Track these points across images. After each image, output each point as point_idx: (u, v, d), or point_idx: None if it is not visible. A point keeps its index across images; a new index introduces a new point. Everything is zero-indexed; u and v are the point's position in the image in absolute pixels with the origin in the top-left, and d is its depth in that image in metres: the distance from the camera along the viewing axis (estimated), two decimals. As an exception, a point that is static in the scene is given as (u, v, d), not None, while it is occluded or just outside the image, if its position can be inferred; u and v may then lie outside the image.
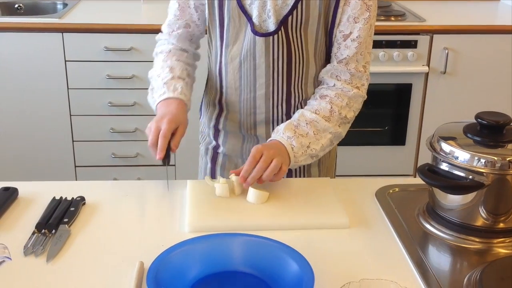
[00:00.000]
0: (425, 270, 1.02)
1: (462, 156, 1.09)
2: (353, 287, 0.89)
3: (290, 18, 1.31)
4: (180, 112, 1.31)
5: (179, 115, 1.30)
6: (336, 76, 1.37)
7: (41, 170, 2.87)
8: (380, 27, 2.75)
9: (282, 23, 1.32)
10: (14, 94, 2.75)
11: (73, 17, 2.78)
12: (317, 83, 1.43)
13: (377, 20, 3.05)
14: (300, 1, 1.30)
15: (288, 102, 1.42)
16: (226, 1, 1.34)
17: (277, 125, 1.42)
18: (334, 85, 1.37)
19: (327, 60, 1.41)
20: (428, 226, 1.16)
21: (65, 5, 2.99)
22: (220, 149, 1.53)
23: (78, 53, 2.72)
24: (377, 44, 2.67)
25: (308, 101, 1.39)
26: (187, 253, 0.97)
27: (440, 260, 1.11)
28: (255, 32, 1.33)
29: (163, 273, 0.96)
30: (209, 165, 1.56)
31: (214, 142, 1.54)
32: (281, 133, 1.30)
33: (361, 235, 1.14)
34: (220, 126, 1.50)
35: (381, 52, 2.68)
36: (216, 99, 1.47)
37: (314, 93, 1.41)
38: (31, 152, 2.86)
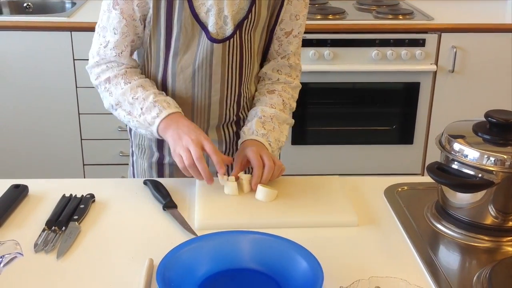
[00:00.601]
0: (435, 268, 1.02)
1: (472, 154, 1.09)
2: (362, 285, 0.89)
3: (245, 21, 1.33)
4: (196, 126, 1.27)
5: (197, 128, 1.26)
6: (278, 70, 1.45)
7: (50, 168, 2.88)
8: (388, 26, 2.75)
9: (238, 27, 1.33)
10: (23, 93, 2.76)
11: (82, 16, 2.79)
12: (256, 79, 1.49)
13: (385, 18, 3.05)
14: (254, 4, 1.32)
15: (238, 103, 1.45)
16: (176, 11, 1.29)
17: (227, 127, 1.48)
18: (278, 79, 1.45)
19: (263, 57, 1.47)
20: (437, 224, 1.16)
21: (73, 4, 3.00)
22: (166, 160, 1.46)
23: (86, 52, 2.72)
24: (385, 43, 2.67)
25: (256, 98, 1.45)
26: (197, 250, 0.98)
27: (449, 258, 1.10)
28: (213, 40, 1.32)
29: (172, 271, 0.96)
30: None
31: (157, 154, 1.47)
32: (254, 131, 1.34)
33: (370, 234, 1.14)
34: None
35: (389, 51, 2.67)
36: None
37: (256, 89, 1.48)
38: (40, 150, 2.87)
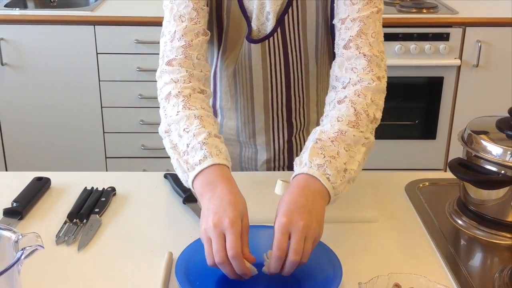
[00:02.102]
0: (455, 265, 1.01)
1: (495, 150, 1.08)
2: (381, 281, 0.89)
3: (286, 17, 1.22)
4: (235, 195, 0.96)
5: (236, 202, 0.94)
6: (352, 68, 1.13)
7: (73, 161, 2.92)
8: (412, 20, 2.72)
9: (279, 23, 1.23)
10: (47, 86, 2.79)
11: (105, 10, 2.82)
12: (326, 87, 1.29)
13: (409, 12, 3.00)
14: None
15: (289, 108, 1.34)
16: (226, 2, 1.22)
17: (277, 132, 1.37)
18: (350, 80, 1.12)
19: (331, 59, 1.25)
20: (458, 221, 1.15)
21: (97, -2, 3.03)
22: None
23: (109, 46, 2.75)
24: (408, 37, 2.64)
25: (325, 114, 1.14)
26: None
27: (470, 255, 1.09)
28: (251, 40, 1.23)
29: (191, 264, 0.96)
30: None
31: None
32: (307, 162, 1.01)
33: (391, 230, 1.13)
34: None
35: (412, 45, 2.64)
36: (210, 102, 1.33)
37: (323, 101, 1.22)
38: (63, 143, 2.91)
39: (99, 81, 2.80)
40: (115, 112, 2.86)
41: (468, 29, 2.70)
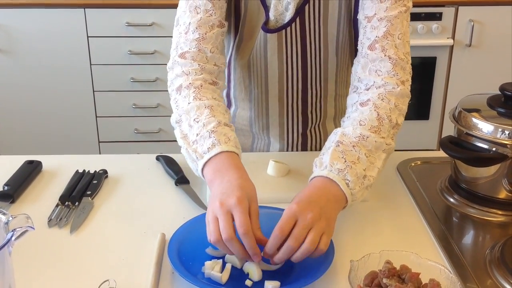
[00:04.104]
0: (447, 242, 1.01)
1: (486, 128, 1.08)
2: (373, 259, 0.89)
3: (307, 7, 1.19)
4: (245, 180, 0.96)
5: (245, 186, 0.94)
6: (376, 71, 1.10)
7: (66, 145, 2.92)
8: None
9: (299, 13, 1.19)
10: (38, 70, 2.78)
11: (95, -7, 2.79)
12: (345, 81, 1.29)
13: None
14: None
15: (304, 100, 1.31)
16: None
17: (292, 126, 1.34)
18: (374, 83, 1.10)
19: (353, 53, 1.25)
20: (450, 199, 1.15)
21: (86, -19, 3.00)
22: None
23: (100, 29, 2.73)
24: (400, 17, 2.63)
25: (346, 116, 1.12)
26: (208, 225, 0.97)
27: (462, 233, 1.10)
28: (267, 30, 1.20)
29: (184, 245, 0.97)
30: None
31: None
32: (327, 166, 0.99)
33: (382, 208, 1.14)
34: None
35: (404, 25, 2.63)
36: (224, 92, 1.35)
37: (345, 99, 1.20)
38: (55, 128, 2.90)
39: (91, 64, 2.79)
40: (107, 96, 2.85)
41: (460, 8, 2.69)
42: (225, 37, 1.20)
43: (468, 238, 1.09)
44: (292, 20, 1.19)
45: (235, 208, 0.89)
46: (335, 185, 0.97)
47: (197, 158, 1.03)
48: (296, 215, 0.90)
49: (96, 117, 2.89)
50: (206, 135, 1.03)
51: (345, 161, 0.99)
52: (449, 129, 2.45)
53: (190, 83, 1.11)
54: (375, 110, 1.06)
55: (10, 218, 0.72)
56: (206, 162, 1.01)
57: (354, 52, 1.21)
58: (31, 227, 0.71)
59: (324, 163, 1.00)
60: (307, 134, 1.37)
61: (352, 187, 0.98)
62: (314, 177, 1.00)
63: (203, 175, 1.02)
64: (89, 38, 2.73)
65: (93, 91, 2.83)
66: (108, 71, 2.80)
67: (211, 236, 0.89)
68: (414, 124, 2.85)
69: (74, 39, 2.73)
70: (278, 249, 0.89)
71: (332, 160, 1.00)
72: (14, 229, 0.70)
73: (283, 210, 0.97)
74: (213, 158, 1.00)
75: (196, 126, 1.05)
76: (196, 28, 1.13)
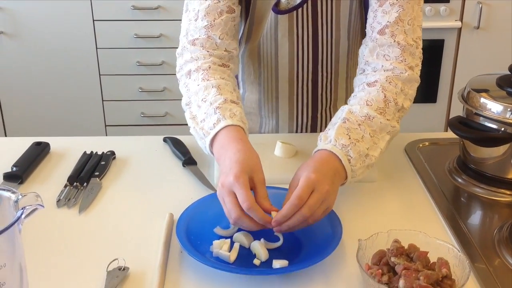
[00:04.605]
0: (455, 222, 1.01)
1: (495, 108, 1.07)
2: (381, 238, 0.89)
3: None
4: (244, 152, 0.95)
5: (244, 159, 0.93)
6: (384, 55, 1.11)
7: (73, 129, 2.92)
8: (412, -19, 2.68)
9: None
10: (44, 54, 2.78)
11: (100, -24, 2.78)
12: (354, 69, 1.27)
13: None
14: None
15: (315, 83, 1.30)
16: None
17: (302, 108, 1.33)
18: (382, 66, 1.10)
19: (362, 37, 1.23)
20: (458, 179, 1.15)
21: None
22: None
23: (106, 13, 2.72)
24: (408, -1, 2.61)
25: (353, 94, 1.12)
26: (216, 205, 0.98)
27: (470, 213, 1.10)
28: (277, 11, 1.19)
29: (192, 224, 0.97)
30: None
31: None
32: (332, 140, 1.00)
33: (390, 189, 1.13)
34: None
35: (412, 7, 2.61)
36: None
37: (352, 82, 1.19)
38: (62, 112, 2.90)
39: (97, 48, 2.78)
40: (114, 80, 2.85)
41: (468, -10, 2.67)
42: (237, 22, 1.18)
43: (476, 218, 1.09)
44: (304, 1, 1.18)
45: (234, 186, 0.89)
46: (337, 159, 0.98)
47: (204, 135, 1.04)
48: (314, 185, 0.90)
49: (103, 100, 2.89)
50: (212, 112, 1.03)
51: (350, 138, 1.00)
52: (457, 112, 2.43)
53: (198, 67, 1.12)
54: (382, 92, 1.06)
55: (20, 197, 0.72)
56: (213, 139, 1.01)
57: (364, 34, 1.20)
58: (41, 205, 0.72)
59: (329, 138, 1.01)
60: (317, 117, 1.37)
61: (354, 163, 0.99)
62: (318, 150, 1.01)
63: (212, 153, 1.03)
64: (95, 21, 2.73)
65: (99, 75, 2.83)
66: (114, 55, 2.80)
67: (229, 219, 0.91)
68: (421, 107, 2.84)
69: (80, 23, 2.72)
70: None
71: (337, 135, 1.00)
72: (24, 207, 0.71)
73: (291, 190, 0.97)
74: (219, 133, 1.00)
75: (204, 106, 1.06)
76: (205, 15, 1.13)
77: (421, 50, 1.13)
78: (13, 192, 0.73)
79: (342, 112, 1.06)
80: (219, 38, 1.14)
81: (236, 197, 0.89)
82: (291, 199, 0.89)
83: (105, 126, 2.94)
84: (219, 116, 1.02)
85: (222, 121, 1.01)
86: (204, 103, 1.06)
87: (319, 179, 0.91)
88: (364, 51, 1.14)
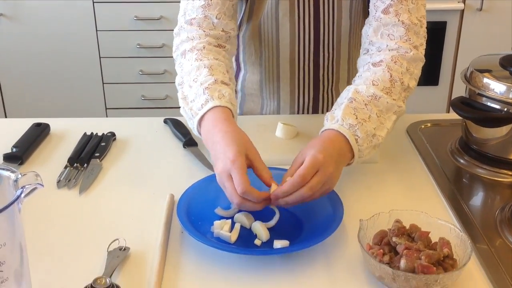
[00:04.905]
0: (457, 203, 1.01)
1: (498, 88, 1.06)
2: (382, 218, 0.89)
3: None
4: (233, 132, 0.95)
5: (233, 140, 0.93)
6: (389, 35, 1.09)
7: (73, 112, 2.91)
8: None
9: None
10: (44, 36, 2.76)
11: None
12: (359, 44, 1.26)
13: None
14: None
15: (316, 63, 1.29)
16: None
17: (303, 89, 1.33)
18: (387, 46, 1.09)
19: (366, 16, 1.20)
20: (460, 160, 1.15)
21: None
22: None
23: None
24: (410, -20, 2.58)
25: (358, 74, 1.11)
26: (216, 185, 0.97)
27: (472, 193, 1.09)
28: None
29: (193, 205, 0.97)
30: None
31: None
32: (339, 120, 0.99)
33: (392, 170, 1.13)
34: (238, 87, 1.39)
35: (414, -11, 2.59)
36: (233, 56, 1.30)
37: (356, 62, 1.17)
38: (63, 95, 2.90)
39: (97, 31, 2.76)
40: (114, 62, 2.84)
41: (471, -29, 2.64)
42: (235, 1, 1.17)
43: (478, 198, 1.08)
44: None
45: (231, 170, 0.89)
46: (345, 139, 0.97)
47: (192, 116, 1.03)
48: (319, 166, 0.90)
49: (103, 83, 2.88)
50: (201, 93, 1.02)
51: (357, 118, 0.99)
52: (459, 95, 2.42)
53: (193, 46, 1.11)
54: (388, 71, 1.05)
55: (19, 176, 0.72)
56: (200, 119, 1.01)
57: (368, 15, 1.18)
58: (40, 184, 0.71)
59: (336, 117, 1.00)
60: (318, 98, 1.36)
61: (361, 143, 0.98)
62: (325, 130, 1.00)
63: (200, 134, 1.03)
64: (94, 4, 2.71)
65: (99, 57, 2.82)
66: (114, 37, 2.78)
67: (232, 203, 0.91)
68: (423, 89, 2.83)
69: (79, 4, 2.70)
70: None
71: (344, 115, 0.99)
72: (23, 186, 0.70)
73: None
74: (206, 114, 1.00)
75: (194, 86, 1.05)
76: None
77: (426, 29, 1.13)
78: (13, 172, 0.73)
79: (348, 92, 1.04)
80: (216, 17, 1.13)
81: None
82: (294, 177, 0.89)
83: (106, 109, 2.93)
84: (207, 97, 1.01)
85: (210, 102, 1.00)
86: (195, 83, 1.05)
87: (326, 161, 0.90)
88: (368, 31, 1.13)
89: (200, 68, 1.06)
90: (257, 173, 0.92)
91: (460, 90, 1.14)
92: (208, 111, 1.00)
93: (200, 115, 1.01)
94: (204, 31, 1.12)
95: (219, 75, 1.06)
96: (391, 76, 1.05)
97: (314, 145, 0.94)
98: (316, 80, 1.32)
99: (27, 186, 0.71)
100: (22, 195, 0.70)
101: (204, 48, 1.10)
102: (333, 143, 0.96)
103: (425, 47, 1.12)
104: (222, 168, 0.90)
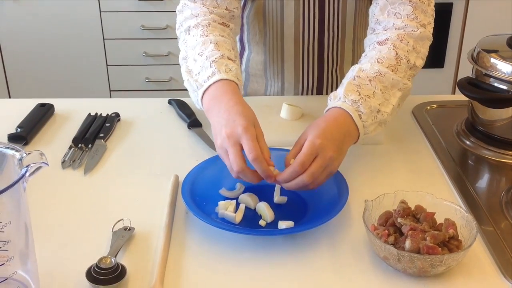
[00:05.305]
0: (463, 184, 1.00)
1: (505, 68, 1.05)
2: (387, 199, 0.88)
3: None
4: (243, 105, 0.94)
5: (245, 111, 0.93)
6: (395, 13, 1.08)
7: (77, 94, 2.91)
8: None
9: None
10: (48, 17, 2.75)
11: None
12: (364, 25, 1.26)
13: None
14: None
15: (321, 43, 1.28)
16: None
17: (308, 69, 1.31)
18: (393, 24, 1.08)
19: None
20: (466, 141, 1.14)
21: None
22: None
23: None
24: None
25: (364, 54, 1.10)
26: (221, 166, 0.97)
27: (478, 175, 1.09)
28: None
29: (197, 185, 0.96)
30: None
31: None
32: (341, 97, 0.99)
33: (397, 151, 1.12)
34: (242, 68, 1.38)
35: (421, -30, 2.56)
36: (237, 37, 1.32)
37: (364, 43, 1.15)
38: (67, 77, 2.89)
39: (100, 12, 2.75)
40: (118, 44, 2.82)
41: (479, -48, 2.61)
42: None
43: (484, 180, 1.08)
44: None
45: (242, 136, 0.88)
46: (348, 116, 0.96)
47: (197, 87, 1.02)
48: (318, 151, 0.89)
49: (107, 65, 2.87)
50: (208, 65, 1.01)
51: (359, 94, 0.98)
52: (465, 77, 2.40)
53: (198, 23, 1.10)
54: (393, 49, 1.04)
55: (24, 155, 0.71)
56: (205, 91, 1.00)
57: None
58: (45, 163, 0.71)
59: (338, 95, 1.00)
60: (323, 79, 1.35)
61: (365, 119, 0.97)
62: (328, 109, 0.99)
63: (202, 105, 1.02)
64: (97, -16, 2.69)
65: (103, 39, 2.80)
66: (118, 19, 2.77)
67: (231, 172, 0.90)
68: (428, 72, 2.81)
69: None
70: None
71: (346, 92, 0.98)
72: (28, 165, 0.70)
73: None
74: (212, 86, 0.99)
75: (200, 60, 1.04)
76: None
77: (433, 8, 1.11)
78: (17, 150, 0.72)
79: (352, 72, 1.04)
80: None
81: (240, 149, 0.88)
82: (293, 164, 0.88)
83: (110, 91, 2.93)
84: (214, 70, 1.00)
85: (216, 74, 0.99)
86: (201, 57, 1.04)
87: (324, 145, 0.89)
88: (374, 10, 1.11)
89: (206, 43, 1.05)
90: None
91: (466, 73, 1.13)
92: (214, 83, 0.99)
93: (206, 86, 0.99)
94: (208, 8, 1.11)
95: (225, 50, 1.04)
96: (396, 54, 1.03)
97: (314, 128, 0.93)
98: (321, 61, 1.31)
99: (32, 165, 0.70)
100: (27, 174, 0.70)
101: (209, 25, 1.09)
102: (336, 122, 0.95)
103: (433, 26, 1.10)
104: (230, 134, 0.89)
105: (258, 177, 0.89)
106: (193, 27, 1.10)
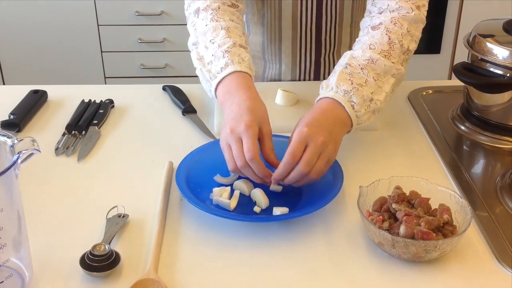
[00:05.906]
0: (458, 170, 1.00)
1: (501, 53, 1.05)
2: (382, 185, 0.88)
3: None
4: (255, 101, 0.94)
5: (254, 107, 0.92)
6: None
7: (71, 81, 2.89)
8: None
9: None
10: (42, 4, 2.72)
11: None
12: (363, 8, 1.25)
13: None
14: None
15: (318, 26, 1.27)
16: None
17: (305, 52, 1.31)
18: (388, 6, 1.06)
19: None
20: (461, 127, 1.14)
21: None
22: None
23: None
24: None
25: (357, 39, 1.08)
26: (216, 152, 0.97)
27: (473, 160, 1.09)
28: None
29: (192, 172, 0.96)
30: None
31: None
32: (333, 87, 0.98)
33: (392, 137, 1.12)
34: None
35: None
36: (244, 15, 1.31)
37: (358, 27, 1.14)
38: (62, 64, 2.87)
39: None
40: (112, 30, 2.80)
41: None
42: None
43: (479, 165, 1.08)
44: None
45: (243, 134, 0.89)
46: (341, 107, 0.96)
47: (210, 78, 1.02)
48: (307, 139, 0.88)
49: (102, 52, 2.85)
50: (220, 55, 1.01)
51: (352, 83, 0.97)
52: (461, 62, 2.39)
53: (207, 5, 1.09)
54: (386, 34, 1.03)
55: (16, 141, 0.71)
56: (219, 82, 0.99)
57: None
58: (37, 149, 0.70)
59: (330, 85, 0.98)
60: (320, 61, 1.34)
61: (358, 109, 0.96)
62: (320, 98, 0.99)
63: (216, 96, 1.01)
64: (92, -30, 2.67)
65: (98, 25, 2.78)
66: (112, 6, 2.74)
67: (228, 164, 0.90)
68: (424, 58, 2.80)
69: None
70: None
71: (338, 81, 0.97)
72: (20, 152, 0.69)
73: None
74: (226, 78, 0.99)
75: (211, 47, 1.03)
76: None
77: None
78: (9, 137, 0.72)
79: (344, 58, 1.03)
80: None
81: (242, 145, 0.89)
82: (285, 157, 0.88)
83: (104, 77, 2.91)
84: (227, 61, 1.00)
85: (230, 66, 0.99)
86: (212, 44, 1.03)
87: (312, 132, 0.89)
88: None
89: (217, 29, 1.04)
90: (265, 151, 0.92)
91: (463, 58, 1.12)
92: (228, 75, 0.99)
93: (219, 78, 0.99)
94: None
95: (236, 37, 1.04)
96: (389, 38, 1.02)
97: (303, 119, 0.93)
98: (318, 43, 1.31)
99: (23, 152, 0.70)
100: (19, 160, 0.69)
101: (219, 8, 1.08)
102: (326, 112, 0.94)
103: (427, 9, 1.09)
104: (233, 129, 0.89)
105: (257, 177, 0.90)
106: (203, 9, 1.09)
